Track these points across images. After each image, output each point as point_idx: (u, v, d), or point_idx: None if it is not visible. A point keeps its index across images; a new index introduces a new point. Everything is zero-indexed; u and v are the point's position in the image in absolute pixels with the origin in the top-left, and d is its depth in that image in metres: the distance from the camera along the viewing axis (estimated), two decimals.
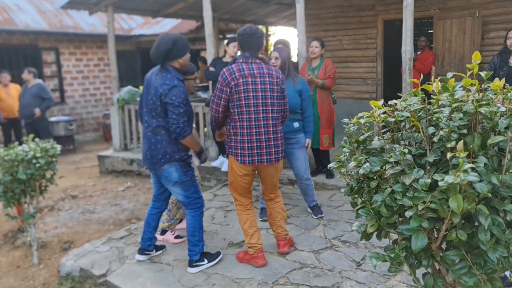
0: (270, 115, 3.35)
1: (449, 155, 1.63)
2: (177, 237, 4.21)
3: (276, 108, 3.38)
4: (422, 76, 2.32)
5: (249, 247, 3.60)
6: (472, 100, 1.75)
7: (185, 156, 3.45)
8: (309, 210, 4.72)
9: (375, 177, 1.88)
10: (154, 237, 3.84)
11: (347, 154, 2.02)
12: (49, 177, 4.39)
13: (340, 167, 2.07)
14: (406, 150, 1.75)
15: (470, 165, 1.56)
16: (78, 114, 11.78)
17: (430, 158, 1.80)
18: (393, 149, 1.85)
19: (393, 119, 1.88)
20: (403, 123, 1.95)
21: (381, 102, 2.04)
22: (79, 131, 11.74)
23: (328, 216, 4.63)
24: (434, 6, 7.25)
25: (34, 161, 4.14)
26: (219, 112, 3.34)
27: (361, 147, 2.04)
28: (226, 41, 6.03)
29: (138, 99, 7.69)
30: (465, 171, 1.57)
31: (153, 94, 3.27)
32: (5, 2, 10.68)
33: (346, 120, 2.15)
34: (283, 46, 5.49)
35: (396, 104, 1.91)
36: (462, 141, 1.65)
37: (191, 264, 3.58)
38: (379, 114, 1.87)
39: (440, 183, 1.59)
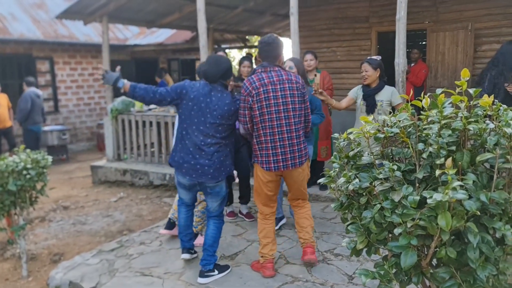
0: (292, 121, 3.40)
1: (437, 172, 1.62)
2: None
3: (298, 113, 3.43)
4: (412, 91, 2.33)
5: (261, 256, 3.65)
6: (461, 117, 1.75)
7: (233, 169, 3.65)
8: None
9: (364, 193, 1.87)
10: (193, 236, 3.97)
11: (337, 169, 2.01)
12: (40, 188, 4.35)
13: (330, 182, 2.06)
14: (395, 167, 1.75)
15: (459, 182, 1.56)
16: (72, 124, 11.73)
17: (420, 174, 1.80)
18: (383, 165, 1.84)
19: (382, 135, 1.87)
20: (393, 139, 1.95)
21: (371, 117, 2.04)
22: (73, 140, 11.68)
23: (321, 228, 4.61)
24: (427, 19, 7.31)
25: (24, 172, 4.10)
26: (247, 122, 3.43)
27: (351, 162, 2.03)
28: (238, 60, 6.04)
29: (132, 109, 7.73)
30: (454, 188, 1.56)
31: (225, 110, 3.42)
32: None
33: (336, 135, 2.14)
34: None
35: (385, 120, 1.90)
36: (450, 158, 1.64)
37: (203, 274, 3.57)
38: (369, 130, 1.86)
39: (428, 201, 1.58)
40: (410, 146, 1.85)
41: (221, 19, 10.35)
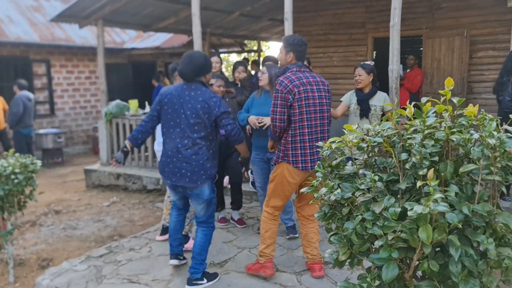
0: (326, 121, 3.44)
1: (419, 183, 1.58)
2: None
3: (327, 115, 3.46)
4: (408, 97, 2.29)
5: (261, 256, 3.61)
6: (444, 127, 1.71)
7: (216, 172, 3.54)
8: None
9: (346, 204, 1.83)
10: (183, 241, 3.92)
11: (320, 178, 1.97)
12: (29, 193, 4.30)
13: (313, 191, 2.02)
14: (376, 177, 1.71)
15: (440, 194, 1.52)
16: (68, 127, 11.68)
17: (402, 185, 1.76)
18: (365, 175, 1.80)
19: (365, 145, 1.84)
20: (376, 148, 1.91)
21: (355, 126, 2.00)
22: (69, 143, 11.63)
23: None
24: (423, 25, 7.30)
25: (12, 176, 4.06)
26: (284, 120, 3.34)
27: (335, 172, 1.99)
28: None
29: (127, 113, 7.69)
30: (435, 200, 1.52)
31: (199, 108, 3.32)
32: None
33: (320, 144, 2.10)
34: (272, 63, 5.52)
35: (368, 129, 1.87)
36: (432, 169, 1.60)
37: (191, 282, 3.52)
38: (351, 139, 1.83)
39: (409, 213, 1.54)
40: (393, 156, 1.82)
41: (218, 24, 10.35)
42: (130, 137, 3.60)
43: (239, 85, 5.93)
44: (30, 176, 4.23)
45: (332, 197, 1.81)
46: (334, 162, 1.92)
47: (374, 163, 1.90)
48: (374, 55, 8.51)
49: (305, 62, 5.35)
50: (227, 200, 5.22)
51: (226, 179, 5.27)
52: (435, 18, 7.20)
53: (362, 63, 4.52)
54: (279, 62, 3.71)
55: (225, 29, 11.30)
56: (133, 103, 7.76)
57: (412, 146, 1.75)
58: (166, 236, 4.42)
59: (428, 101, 1.88)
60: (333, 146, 1.86)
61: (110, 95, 12.33)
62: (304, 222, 3.70)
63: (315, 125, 3.38)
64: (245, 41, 14.87)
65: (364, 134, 1.90)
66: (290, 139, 3.39)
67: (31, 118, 8.86)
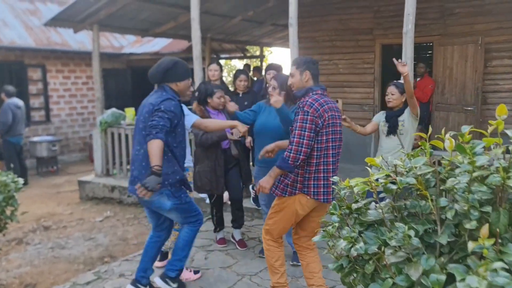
0: (340, 151, 3.20)
1: (470, 245, 1.22)
2: (195, 272, 3.99)
3: (342, 143, 3.23)
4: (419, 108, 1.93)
5: (276, 287, 3.27)
6: (497, 168, 1.35)
7: (178, 180, 3.22)
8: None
9: (371, 260, 1.47)
10: (150, 268, 3.53)
11: (336, 224, 1.60)
12: (10, 214, 3.94)
13: (327, 237, 1.66)
14: (412, 232, 1.34)
15: (500, 264, 1.15)
16: (64, 134, 11.33)
17: (443, 239, 1.39)
18: (395, 225, 1.43)
19: (394, 187, 1.47)
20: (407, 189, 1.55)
21: (379, 159, 1.64)
22: (65, 151, 11.28)
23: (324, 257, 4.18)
24: (434, 32, 6.94)
25: None
26: (311, 146, 2.94)
27: (354, 215, 1.63)
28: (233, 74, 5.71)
29: (123, 122, 7.35)
30: (494, 270, 1.16)
31: (146, 111, 3.11)
32: None
33: (336, 178, 1.74)
34: (275, 71, 5.16)
35: (397, 166, 1.50)
36: (486, 225, 1.24)
37: (164, 278, 3.35)
38: (377, 180, 1.46)
39: (459, 285, 1.18)
40: (429, 200, 1.45)
41: (219, 29, 10.02)
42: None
43: (240, 95, 5.58)
44: (11, 196, 3.87)
45: (354, 252, 1.45)
46: (354, 205, 1.56)
47: (404, 207, 1.53)
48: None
49: None
50: (227, 216, 4.85)
51: (226, 195, 4.91)
52: (447, 24, 6.84)
53: (395, 81, 4.25)
54: (293, 86, 3.30)
55: (226, 34, 10.96)
56: (130, 112, 7.40)
57: (456, 191, 1.39)
58: (166, 262, 4.07)
59: (471, 130, 1.52)
60: (356, 190, 1.49)
61: (108, 101, 12.05)
62: (303, 252, 3.33)
63: (337, 154, 3.12)
64: (247, 47, 14.53)
65: (392, 171, 1.54)
66: (312, 169, 3.01)
67: (21, 126, 8.47)
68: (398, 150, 3.96)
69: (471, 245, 1.21)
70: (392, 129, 4.05)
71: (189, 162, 3.97)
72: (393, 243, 1.36)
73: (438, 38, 6.94)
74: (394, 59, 3.97)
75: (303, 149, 2.89)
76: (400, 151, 3.90)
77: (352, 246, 1.47)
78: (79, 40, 11.23)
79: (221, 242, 4.73)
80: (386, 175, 1.50)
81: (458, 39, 6.64)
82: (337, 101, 4.33)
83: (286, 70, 5.59)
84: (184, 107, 3.76)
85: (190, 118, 3.73)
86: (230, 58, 15.76)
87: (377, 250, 1.42)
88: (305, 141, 2.89)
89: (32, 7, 11.64)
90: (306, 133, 2.90)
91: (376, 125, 4.28)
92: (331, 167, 3.06)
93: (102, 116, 7.26)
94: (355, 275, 1.56)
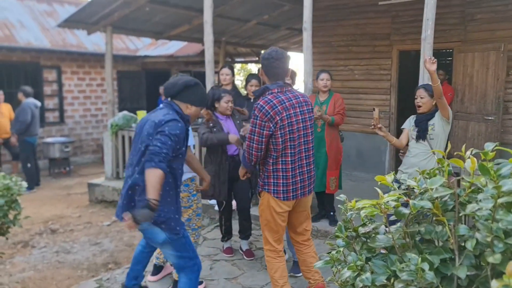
0: (310, 145, 3.13)
1: (494, 284, 1.05)
2: (199, 283, 3.71)
3: (312, 137, 3.16)
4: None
5: None
6: None
7: (172, 218, 2.77)
8: None
9: None
10: (141, 276, 3.40)
11: (341, 249, 1.44)
12: (12, 218, 3.87)
13: (330, 262, 1.50)
14: (425, 266, 1.18)
15: None
16: (78, 135, 11.35)
17: (461, 272, 1.22)
18: (406, 254, 1.27)
19: (407, 211, 1.31)
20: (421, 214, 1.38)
21: (391, 177, 1.47)
22: (78, 152, 11.30)
23: (330, 273, 4.01)
24: (454, 38, 6.70)
25: None
26: (261, 150, 2.98)
27: (362, 239, 1.47)
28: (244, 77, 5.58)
29: (134, 125, 7.28)
30: None
31: (147, 129, 2.71)
32: (8, 19, 10.41)
33: (343, 196, 1.58)
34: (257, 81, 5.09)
35: (410, 188, 1.34)
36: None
37: None
38: (387, 203, 1.30)
39: None
40: (446, 227, 1.29)
41: (233, 32, 9.92)
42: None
43: (251, 100, 5.44)
44: (14, 200, 3.80)
45: (359, 284, 1.29)
46: (361, 230, 1.40)
47: (417, 233, 1.37)
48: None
49: (328, 76, 4.90)
50: (235, 224, 4.70)
51: (235, 203, 4.77)
52: (467, 30, 6.60)
53: (425, 84, 4.01)
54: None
55: (241, 38, 10.86)
56: (141, 114, 7.32)
57: (478, 218, 1.22)
58: (160, 276, 3.96)
59: (495, 148, 1.35)
60: (362, 213, 1.33)
61: (122, 103, 12.07)
62: (300, 247, 3.35)
63: (299, 152, 3.04)
64: (262, 51, 14.41)
65: (405, 192, 1.38)
66: (270, 168, 3.02)
67: (37, 126, 8.53)
68: (428, 155, 3.70)
69: (495, 284, 1.05)
70: (422, 133, 3.80)
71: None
72: (404, 276, 1.20)
73: (458, 45, 6.70)
74: (425, 55, 3.74)
75: (253, 152, 2.97)
76: (431, 157, 3.69)
77: (357, 275, 1.31)
78: (95, 42, 11.25)
79: (228, 251, 4.59)
80: (397, 197, 1.34)
81: (479, 45, 6.40)
82: (374, 109, 3.96)
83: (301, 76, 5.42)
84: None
85: (190, 140, 3.53)
86: (245, 62, 15.65)
87: (385, 281, 1.26)
88: (254, 144, 2.95)
89: (49, 8, 11.73)
90: (255, 137, 2.93)
91: (407, 132, 4.03)
92: (290, 167, 2.99)
93: (113, 118, 7.20)
94: None
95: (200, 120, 7.95)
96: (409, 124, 4.02)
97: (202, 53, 11.47)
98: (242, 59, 14.40)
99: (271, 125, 2.91)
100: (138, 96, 12.59)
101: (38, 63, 10.46)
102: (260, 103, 2.94)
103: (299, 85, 6.87)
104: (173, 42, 11.78)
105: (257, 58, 13.95)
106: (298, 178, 3.06)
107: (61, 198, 7.87)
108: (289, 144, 2.98)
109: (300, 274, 3.95)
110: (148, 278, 4.03)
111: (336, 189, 4.98)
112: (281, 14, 8.84)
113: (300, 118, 3.01)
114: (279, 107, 2.92)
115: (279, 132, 2.93)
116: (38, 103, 8.58)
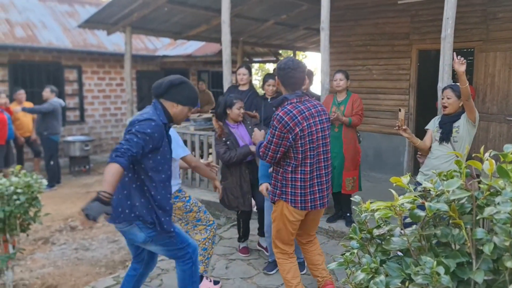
0: (328, 156, 3.15)
1: None
2: (215, 282, 3.82)
3: (329, 147, 3.17)
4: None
5: None
6: None
7: (150, 218, 2.69)
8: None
9: None
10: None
11: (355, 251, 1.43)
12: (33, 215, 3.94)
13: (344, 264, 1.49)
14: (441, 269, 1.16)
15: None
16: (97, 134, 11.52)
17: (478, 277, 1.20)
18: (421, 257, 1.25)
19: (423, 213, 1.29)
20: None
21: (407, 179, 1.45)
22: (97, 151, 11.46)
23: (345, 275, 3.98)
24: (476, 37, 6.58)
25: (15, 197, 3.70)
26: (276, 158, 3.02)
27: (376, 241, 1.45)
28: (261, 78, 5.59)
29: None
30: None
31: (125, 130, 2.70)
32: (31, 19, 10.63)
33: (358, 198, 1.57)
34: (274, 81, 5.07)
35: (426, 190, 1.32)
36: None
37: None
38: (403, 205, 1.29)
39: None
40: (463, 230, 1.27)
41: (251, 32, 9.93)
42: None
43: (268, 100, 5.44)
44: (34, 197, 3.87)
45: (373, 286, 1.28)
46: (376, 231, 1.39)
47: (433, 236, 1.35)
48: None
49: (342, 76, 4.86)
50: (253, 224, 4.71)
51: (254, 203, 4.78)
52: (489, 29, 6.47)
53: (452, 84, 3.90)
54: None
55: (259, 38, 10.87)
56: None
57: (496, 221, 1.20)
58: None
59: None
60: (377, 215, 1.32)
61: (141, 102, 12.19)
62: (305, 247, 3.44)
63: (317, 161, 3.05)
64: (280, 51, 14.39)
65: (421, 194, 1.36)
66: (289, 176, 3.01)
67: (60, 124, 8.70)
68: (450, 158, 3.59)
69: None
70: (445, 135, 3.70)
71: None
72: (419, 279, 1.18)
73: (480, 44, 6.58)
74: (454, 54, 3.65)
75: (267, 158, 3.03)
76: (453, 160, 3.57)
77: (371, 278, 1.30)
78: (115, 42, 11.40)
79: (244, 251, 4.60)
80: (413, 199, 1.32)
81: (501, 45, 6.27)
82: (399, 110, 3.79)
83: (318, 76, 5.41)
84: (178, 138, 3.48)
85: (182, 151, 3.49)
86: (263, 62, 15.65)
87: (400, 285, 1.25)
88: (269, 152, 2.99)
89: (70, 9, 11.93)
90: (271, 146, 2.96)
91: (431, 134, 3.92)
92: (308, 176, 3.00)
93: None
94: None
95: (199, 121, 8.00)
96: (433, 125, 3.93)
97: (220, 53, 11.50)
98: (260, 59, 14.41)
99: (290, 137, 2.91)
100: None
101: (60, 63, 10.65)
102: (280, 114, 2.92)
103: (316, 85, 6.85)
104: (191, 42, 11.86)
105: (274, 58, 13.95)
106: (316, 188, 3.07)
107: (81, 196, 7.99)
108: (309, 153, 2.98)
109: (272, 272, 4.09)
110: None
111: (354, 190, 4.94)
112: (299, 14, 8.82)
113: (319, 127, 3.02)
114: (299, 118, 2.92)
115: (299, 142, 2.94)
116: (63, 103, 8.76)
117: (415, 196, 1.31)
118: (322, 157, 3.08)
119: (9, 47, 9.52)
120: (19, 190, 3.72)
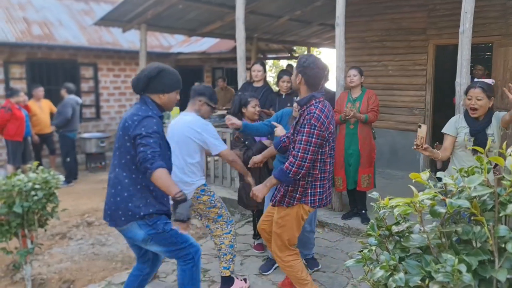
0: (333, 152, 3.15)
1: None
2: (245, 280, 3.81)
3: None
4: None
5: None
6: None
7: (154, 212, 2.71)
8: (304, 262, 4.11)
9: None
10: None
11: (373, 248, 1.41)
12: (50, 211, 3.99)
13: (362, 261, 1.47)
14: (463, 267, 1.14)
15: None
16: (113, 131, 11.61)
17: (501, 275, 1.18)
18: (442, 254, 1.23)
19: (443, 210, 1.27)
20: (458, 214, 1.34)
21: (426, 175, 1.43)
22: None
23: (361, 272, 3.96)
24: (495, 32, 6.46)
25: (32, 193, 3.76)
26: (313, 160, 2.89)
27: (395, 238, 1.43)
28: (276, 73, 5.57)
29: (167, 121, 7.38)
30: None
31: (120, 128, 2.72)
32: (47, 18, 10.76)
33: (375, 193, 1.55)
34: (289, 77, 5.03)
35: (445, 184, 1.29)
36: None
37: None
38: (423, 201, 1.26)
39: None
40: (485, 227, 1.24)
41: (265, 28, 9.90)
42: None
43: (283, 96, 5.41)
44: (52, 193, 3.92)
45: (392, 284, 1.26)
46: (395, 228, 1.37)
47: (454, 233, 1.33)
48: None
49: (355, 72, 4.82)
50: None
51: None
52: (509, 24, 6.34)
53: (481, 81, 3.45)
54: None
55: (273, 34, 10.83)
56: (175, 111, 7.42)
57: None
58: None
59: None
60: (396, 212, 1.30)
61: None
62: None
63: (334, 162, 3.16)
64: (295, 47, 14.33)
65: (441, 191, 1.33)
66: (312, 179, 2.98)
67: (77, 122, 8.82)
68: None
69: None
70: (481, 146, 3.30)
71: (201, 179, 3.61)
72: (439, 277, 1.16)
73: (499, 39, 6.46)
74: (507, 87, 3.17)
75: (305, 164, 2.81)
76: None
77: (390, 275, 1.28)
78: (130, 39, 11.47)
79: (259, 248, 4.60)
80: (433, 195, 1.30)
81: None
82: (419, 126, 3.08)
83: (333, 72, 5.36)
84: (213, 130, 3.49)
85: (219, 144, 3.47)
86: (277, 58, 15.61)
87: (419, 282, 1.23)
88: (309, 156, 2.81)
89: (86, 7, 12.04)
90: (311, 148, 2.80)
91: (453, 140, 3.46)
92: (327, 175, 3.05)
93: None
94: None
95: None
96: (453, 129, 3.48)
97: (234, 49, 11.50)
98: (274, 55, 14.37)
99: (326, 135, 2.87)
100: None
101: (76, 60, 10.77)
102: (316, 112, 2.83)
103: (331, 81, 6.79)
104: (205, 39, 11.87)
105: (289, 54, 13.90)
106: (328, 185, 3.13)
107: (97, 192, 8.07)
108: (331, 152, 3.04)
109: (268, 272, 4.03)
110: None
111: (369, 187, 4.91)
112: (314, 9, 8.76)
113: (334, 126, 3.06)
114: (330, 117, 2.93)
115: (328, 142, 2.95)
116: (80, 100, 8.88)
117: (435, 192, 1.29)
118: (333, 157, 3.15)
119: (27, 45, 9.66)
120: (37, 186, 3.78)
